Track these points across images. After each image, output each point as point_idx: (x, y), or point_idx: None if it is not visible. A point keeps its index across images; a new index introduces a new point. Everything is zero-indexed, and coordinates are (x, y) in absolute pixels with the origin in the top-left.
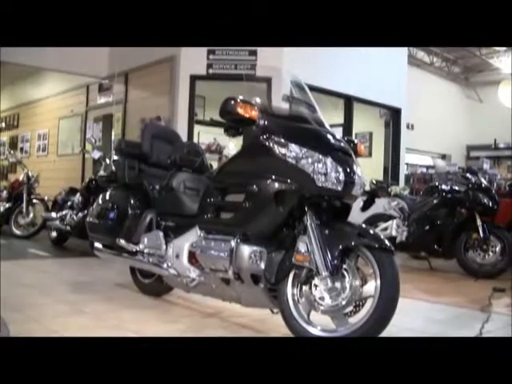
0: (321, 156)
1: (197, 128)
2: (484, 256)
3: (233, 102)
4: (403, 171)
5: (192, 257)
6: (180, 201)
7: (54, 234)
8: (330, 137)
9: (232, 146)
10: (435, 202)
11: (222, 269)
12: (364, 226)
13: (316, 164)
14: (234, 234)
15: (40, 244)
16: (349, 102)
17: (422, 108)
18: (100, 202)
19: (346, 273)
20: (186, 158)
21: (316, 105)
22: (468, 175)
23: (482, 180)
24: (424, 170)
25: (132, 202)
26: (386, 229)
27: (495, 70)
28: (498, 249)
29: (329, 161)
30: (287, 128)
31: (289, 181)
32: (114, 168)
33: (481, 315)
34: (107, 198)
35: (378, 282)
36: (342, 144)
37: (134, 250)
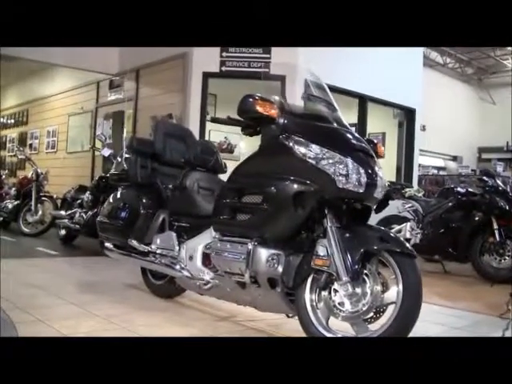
0: (342, 157)
1: (208, 126)
2: (500, 260)
3: (251, 100)
4: (416, 173)
5: (206, 259)
6: (194, 201)
7: (62, 232)
8: (351, 137)
9: (243, 144)
10: (450, 204)
11: (238, 272)
12: (385, 229)
13: (337, 165)
14: (250, 237)
15: (49, 242)
16: (363, 101)
17: (433, 109)
18: (111, 201)
19: (366, 278)
20: (200, 157)
21: (335, 103)
22: (485, 178)
23: (499, 183)
24: (435, 171)
25: (144, 201)
26: (399, 231)
27: (509, 71)
28: None
29: (350, 162)
30: (307, 127)
31: (308, 182)
32: (125, 166)
33: (500, 322)
34: (118, 197)
35: (401, 288)
36: (364, 144)
37: (146, 250)
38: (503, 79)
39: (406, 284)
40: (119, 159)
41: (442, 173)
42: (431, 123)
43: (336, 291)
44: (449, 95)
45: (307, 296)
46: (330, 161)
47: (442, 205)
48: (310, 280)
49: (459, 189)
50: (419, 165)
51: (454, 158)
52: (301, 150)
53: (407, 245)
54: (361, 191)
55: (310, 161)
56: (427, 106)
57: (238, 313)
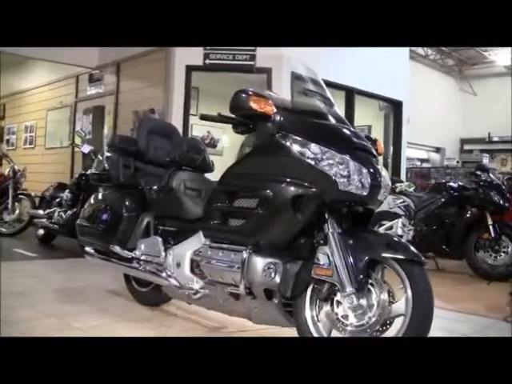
0: (343, 156)
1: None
2: (496, 257)
3: (245, 96)
4: (404, 166)
5: (195, 266)
6: (180, 203)
7: (41, 231)
8: (351, 134)
9: (226, 139)
10: (443, 200)
11: (232, 282)
12: (390, 234)
13: (338, 165)
14: (245, 244)
15: (26, 242)
16: (350, 94)
17: (415, 101)
18: (91, 203)
19: (372, 288)
20: (186, 156)
21: (332, 98)
22: (478, 172)
23: (493, 177)
24: (418, 163)
25: (127, 203)
26: (390, 228)
27: (490, 62)
28: (510, 249)
29: (351, 162)
30: (305, 125)
31: (307, 184)
32: (106, 166)
33: (504, 326)
34: (99, 198)
35: (410, 298)
36: (365, 142)
37: (130, 256)
38: (484, 70)
39: (415, 294)
40: (100, 158)
41: (425, 165)
42: (413, 115)
43: (339, 303)
44: (430, 87)
45: (307, 308)
46: (331, 161)
47: (434, 200)
48: (309, 290)
49: (452, 184)
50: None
51: (437, 150)
52: (298, 149)
53: (415, 251)
54: (364, 194)
55: (308, 161)
56: (409, 97)
57: (230, 322)
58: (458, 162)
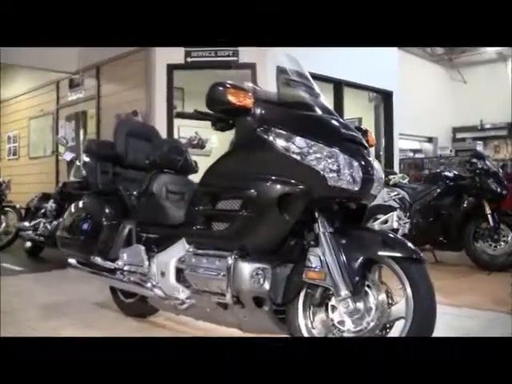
0: (332, 149)
1: (176, 122)
2: (495, 247)
3: (221, 89)
4: (397, 158)
5: (180, 274)
6: (162, 208)
7: (28, 244)
8: (339, 125)
9: (215, 139)
10: (439, 190)
11: (218, 291)
12: (386, 230)
13: (326, 159)
14: (230, 249)
15: (14, 255)
16: (339, 86)
17: (405, 91)
18: (70, 212)
19: (369, 290)
20: (167, 157)
21: (318, 88)
22: (474, 160)
23: (489, 164)
24: (411, 154)
25: (107, 211)
26: (385, 221)
27: (479, 49)
28: (510, 238)
29: (341, 155)
30: (289, 117)
31: (294, 181)
32: (84, 173)
33: (510, 319)
34: (78, 208)
35: (410, 299)
36: (354, 133)
37: (112, 267)
38: (473, 57)
39: (416, 295)
40: (78, 164)
41: (418, 155)
42: (404, 105)
43: (334, 308)
44: (420, 76)
45: (300, 315)
46: (318, 155)
47: (429, 191)
48: (302, 296)
49: (447, 173)
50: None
51: (430, 140)
52: (282, 143)
53: (413, 248)
54: (356, 189)
55: (294, 156)
56: (399, 87)
57: (221, 333)
58: (451, 150)
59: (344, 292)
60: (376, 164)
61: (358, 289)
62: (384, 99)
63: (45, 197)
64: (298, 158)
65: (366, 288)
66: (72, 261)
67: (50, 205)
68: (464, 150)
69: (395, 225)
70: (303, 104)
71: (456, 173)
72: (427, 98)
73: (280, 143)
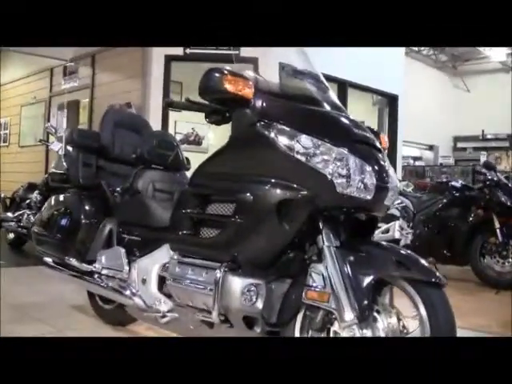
0: (341, 150)
1: (172, 116)
2: (503, 263)
3: (218, 75)
4: (400, 165)
5: (163, 283)
6: (147, 207)
7: (11, 236)
8: (350, 124)
9: (212, 135)
10: (445, 200)
11: (203, 308)
12: (400, 248)
13: (335, 162)
14: (219, 260)
15: None
16: (343, 87)
17: (408, 97)
18: (48, 207)
19: (378, 315)
20: (155, 152)
21: (326, 82)
22: (484, 170)
23: (500, 176)
24: (411, 161)
25: (87, 208)
26: (387, 231)
27: (484, 58)
28: None
29: (352, 157)
30: (294, 111)
31: (297, 186)
32: (65, 165)
33: None
34: (56, 202)
35: (427, 329)
36: (367, 134)
37: (89, 270)
38: (477, 66)
39: (433, 324)
40: (60, 154)
41: (418, 163)
42: (406, 111)
43: (337, 334)
44: (423, 82)
45: None
46: (326, 156)
47: (435, 201)
48: (300, 318)
49: (454, 183)
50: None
51: (430, 148)
52: (285, 142)
53: (434, 270)
54: (368, 197)
55: (298, 157)
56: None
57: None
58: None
59: (350, 317)
60: (391, 171)
61: (366, 314)
62: (389, 103)
63: (31, 187)
64: (303, 158)
65: (375, 313)
66: (48, 260)
67: (35, 196)
68: (464, 160)
69: (397, 235)
70: (310, 98)
71: (463, 183)
72: (429, 105)
73: (282, 141)
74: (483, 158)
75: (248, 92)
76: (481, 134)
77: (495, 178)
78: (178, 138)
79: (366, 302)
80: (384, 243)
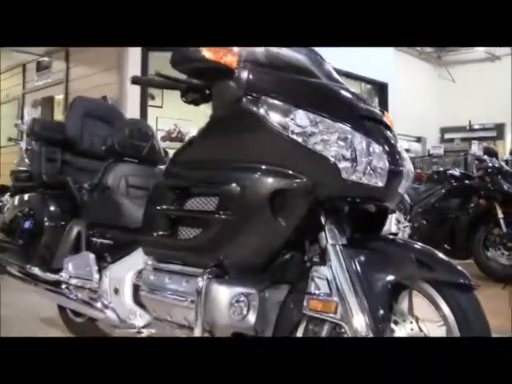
0: (345, 127)
1: (153, 112)
2: (509, 255)
3: None
4: None
5: (138, 293)
6: (119, 206)
7: None
8: (353, 97)
9: (195, 132)
10: (444, 191)
11: (184, 323)
12: (420, 244)
13: (338, 142)
14: (202, 265)
15: None
16: None
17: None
18: (9, 209)
19: (395, 327)
20: (128, 143)
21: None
22: (485, 157)
23: (502, 163)
24: None
25: (51, 209)
26: None
27: (468, 48)
28: None
29: (358, 135)
30: (287, 83)
31: (293, 172)
32: (27, 161)
33: None
34: (18, 204)
35: None
36: (373, 109)
37: (55, 280)
38: (462, 56)
39: (466, 336)
40: (21, 147)
41: (408, 155)
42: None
43: None
44: (408, 73)
45: None
46: (326, 136)
47: (433, 192)
48: (300, 332)
49: (453, 172)
50: None
51: (418, 139)
52: (278, 119)
53: (462, 270)
54: (380, 184)
55: (293, 137)
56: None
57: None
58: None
59: (362, 331)
60: (404, 153)
61: (382, 326)
62: (378, 91)
63: (2, 190)
64: (299, 139)
65: (392, 324)
66: (11, 269)
67: (6, 198)
68: (453, 151)
69: (394, 229)
70: (304, 69)
71: (463, 171)
72: (415, 96)
73: (274, 118)
74: (475, 146)
75: (231, 60)
76: (468, 124)
77: (497, 165)
78: (160, 135)
79: (381, 312)
80: (399, 239)
